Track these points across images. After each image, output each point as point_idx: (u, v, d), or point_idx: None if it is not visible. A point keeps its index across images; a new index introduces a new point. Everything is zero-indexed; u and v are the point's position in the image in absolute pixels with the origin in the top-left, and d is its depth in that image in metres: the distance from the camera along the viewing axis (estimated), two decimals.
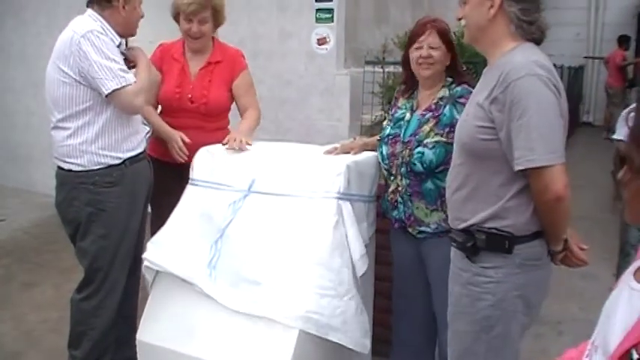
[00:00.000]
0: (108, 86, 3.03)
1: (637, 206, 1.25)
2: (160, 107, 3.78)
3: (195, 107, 3.65)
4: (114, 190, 3.20)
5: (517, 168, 2.17)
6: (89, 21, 3.15)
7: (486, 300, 2.31)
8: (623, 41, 13.10)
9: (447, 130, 2.83)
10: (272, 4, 6.16)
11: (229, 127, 3.87)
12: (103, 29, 3.14)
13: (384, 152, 3.04)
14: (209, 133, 3.59)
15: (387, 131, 3.08)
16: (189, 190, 3.25)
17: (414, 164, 2.87)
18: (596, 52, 15.28)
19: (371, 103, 4.89)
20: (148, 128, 3.49)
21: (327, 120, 5.81)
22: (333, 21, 5.82)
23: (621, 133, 4.24)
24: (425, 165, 2.84)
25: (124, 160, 3.23)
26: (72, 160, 3.18)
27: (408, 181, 2.93)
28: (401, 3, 7.11)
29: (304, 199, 2.92)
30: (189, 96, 3.65)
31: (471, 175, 2.34)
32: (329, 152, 3.24)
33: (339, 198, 2.89)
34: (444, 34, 2.96)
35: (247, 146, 3.31)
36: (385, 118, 3.34)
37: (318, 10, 5.85)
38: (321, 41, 5.86)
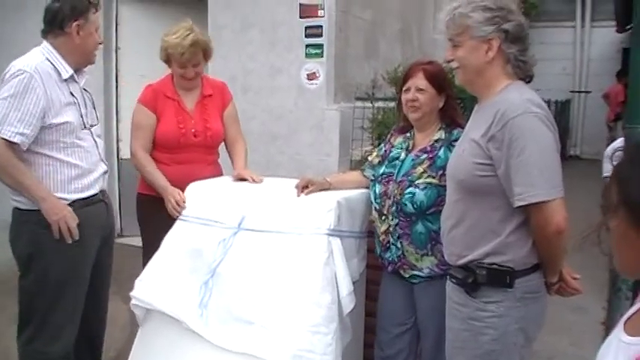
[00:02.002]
0: None
1: (625, 253, 1.26)
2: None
3: (199, 141, 3.70)
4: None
5: (519, 204, 2.20)
6: (33, 56, 3.09)
7: (488, 334, 2.33)
8: (622, 75, 13.14)
9: (440, 172, 2.82)
10: (262, 40, 6.20)
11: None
12: (50, 60, 3.09)
13: (377, 191, 3.03)
14: (209, 166, 3.72)
15: (382, 170, 3.07)
16: (178, 225, 3.24)
17: (405, 204, 2.87)
18: (582, 87, 15.45)
19: (361, 139, 4.92)
20: (105, 167, 3.41)
21: (316, 155, 5.82)
22: (322, 56, 5.85)
23: (607, 169, 4.28)
24: (415, 206, 2.84)
25: (72, 202, 3.13)
26: (16, 198, 3.10)
27: (397, 221, 2.92)
28: (390, 39, 7.17)
29: (295, 236, 2.91)
30: (193, 130, 3.69)
31: (470, 211, 2.36)
32: (298, 189, 3.11)
33: (330, 234, 2.88)
34: (432, 77, 2.95)
35: (241, 182, 3.42)
36: (371, 154, 3.34)
37: (307, 45, 5.89)
38: (311, 76, 5.89)
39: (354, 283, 2.93)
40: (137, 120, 3.72)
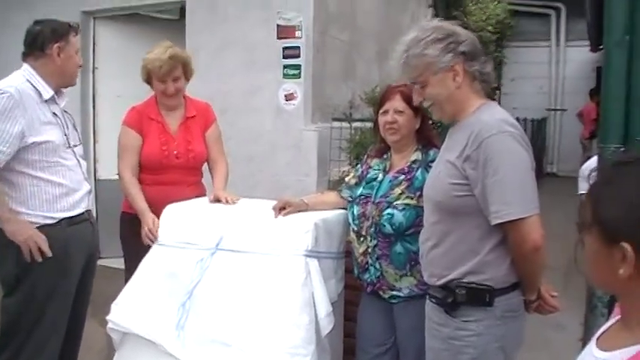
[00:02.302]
0: None
1: (598, 270, 1.29)
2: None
3: (181, 162, 3.72)
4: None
5: (495, 222, 2.22)
6: (13, 78, 3.14)
7: (468, 353, 2.34)
8: (594, 94, 13.31)
9: (418, 193, 2.83)
10: (240, 61, 6.20)
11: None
12: (30, 82, 3.13)
13: (355, 212, 3.03)
14: (189, 187, 3.73)
15: (359, 191, 3.08)
16: (154, 249, 3.23)
17: (384, 225, 2.87)
18: (557, 105, 15.59)
19: (338, 159, 4.93)
20: (89, 186, 3.44)
21: (294, 175, 5.81)
22: (300, 77, 5.86)
23: (583, 187, 4.33)
24: (394, 227, 2.85)
25: (59, 221, 3.16)
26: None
27: (376, 242, 2.92)
28: (368, 59, 7.21)
29: (272, 257, 2.92)
30: (175, 152, 3.72)
31: (448, 232, 2.38)
32: (276, 210, 3.12)
33: (307, 255, 2.90)
34: (409, 99, 2.93)
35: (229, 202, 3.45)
36: (348, 175, 3.34)
37: (285, 66, 5.91)
38: (289, 97, 5.90)
39: (332, 304, 2.94)
40: (123, 142, 3.75)
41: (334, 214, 3.18)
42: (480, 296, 2.31)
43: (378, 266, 2.94)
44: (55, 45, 3.20)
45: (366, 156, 3.29)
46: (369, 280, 3.00)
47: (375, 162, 3.14)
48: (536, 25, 15.35)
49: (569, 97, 14.93)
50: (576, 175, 6.63)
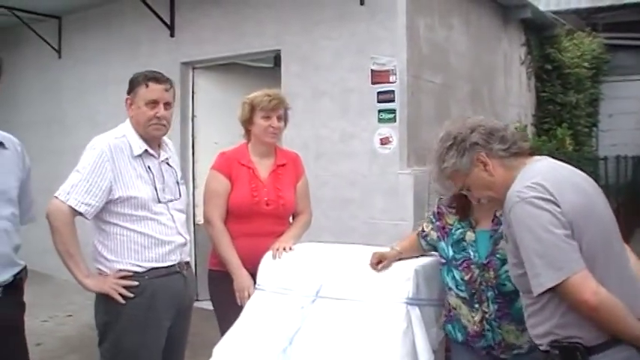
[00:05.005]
0: (59, 190, 3.13)
1: None
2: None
3: (271, 210, 3.66)
4: (129, 301, 3.15)
5: (534, 295, 2.20)
6: (113, 131, 3.28)
7: None
8: None
9: None
10: (334, 107, 6.30)
11: None
12: (127, 137, 3.25)
13: (458, 278, 2.86)
14: (278, 238, 3.60)
15: (450, 253, 2.92)
16: (255, 295, 3.27)
17: (504, 284, 2.72)
18: None
19: (435, 203, 4.89)
20: (184, 239, 3.41)
21: (390, 220, 5.80)
22: (395, 121, 5.90)
23: None
24: None
25: (147, 271, 3.21)
26: (96, 265, 3.24)
27: (496, 306, 2.77)
28: (461, 100, 7.18)
29: (373, 305, 2.91)
30: (266, 199, 3.65)
31: (529, 305, 2.33)
32: (372, 265, 3.08)
33: (408, 303, 2.87)
34: None
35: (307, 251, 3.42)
36: (427, 226, 3.15)
37: (380, 110, 5.97)
38: (384, 141, 5.93)
39: (433, 352, 2.89)
40: (212, 187, 3.71)
41: (432, 260, 3.12)
42: (571, 355, 2.22)
43: (498, 330, 2.79)
44: (127, 97, 3.32)
45: (437, 209, 3.11)
46: (484, 345, 2.83)
47: (452, 218, 2.99)
48: (633, 58, 14.90)
49: None
50: None
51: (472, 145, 2.41)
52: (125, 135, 3.26)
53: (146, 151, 3.28)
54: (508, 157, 2.41)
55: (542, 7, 10.39)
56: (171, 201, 3.34)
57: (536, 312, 2.29)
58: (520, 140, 2.46)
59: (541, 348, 2.32)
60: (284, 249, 3.41)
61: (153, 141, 3.34)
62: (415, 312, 2.87)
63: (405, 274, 2.93)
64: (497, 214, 2.83)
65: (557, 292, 2.15)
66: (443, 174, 2.49)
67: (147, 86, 3.25)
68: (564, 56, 10.40)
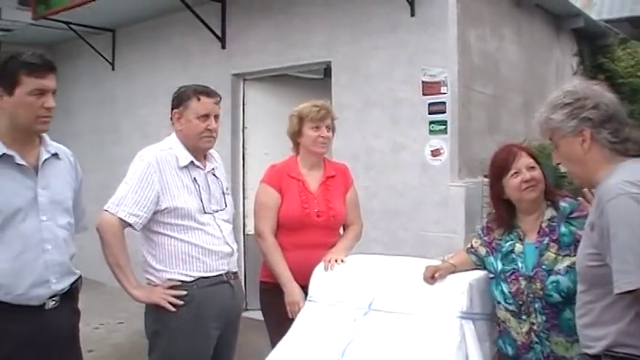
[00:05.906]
0: (108, 203, 3.20)
1: None
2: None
3: (321, 222, 3.67)
4: (177, 311, 3.17)
5: (616, 292, 2.09)
6: (160, 143, 3.34)
7: None
8: None
9: (572, 248, 2.71)
10: (385, 118, 6.29)
11: None
12: (173, 149, 3.30)
13: (505, 291, 2.87)
14: (329, 250, 3.59)
15: (498, 267, 2.93)
16: (307, 306, 3.27)
17: (550, 295, 2.73)
18: None
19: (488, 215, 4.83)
20: (231, 248, 3.42)
21: (441, 232, 5.76)
22: (446, 132, 5.87)
23: None
24: (563, 293, 2.70)
25: (195, 280, 3.23)
26: (145, 275, 3.28)
27: (544, 317, 2.77)
28: (513, 111, 7.10)
29: (426, 318, 2.88)
30: (316, 210, 3.67)
31: (593, 301, 2.27)
32: (426, 279, 3.03)
33: (462, 317, 2.83)
34: (533, 154, 2.90)
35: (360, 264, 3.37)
36: (475, 241, 3.15)
37: (431, 122, 5.94)
38: (435, 153, 5.90)
39: None
40: (263, 200, 3.74)
41: (486, 274, 3.07)
42: None
43: (547, 342, 2.78)
44: (174, 111, 3.35)
45: (486, 223, 3.13)
46: (534, 358, 2.82)
47: (499, 233, 3.00)
48: None
49: None
50: None
51: (584, 119, 2.35)
52: (172, 147, 3.32)
53: (192, 162, 3.33)
54: (610, 149, 2.34)
55: (594, 16, 10.19)
56: (218, 211, 3.38)
57: (598, 311, 2.23)
58: (631, 142, 2.36)
59: (589, 351, 2.27)
60: (336, 261, 3.40)
61: (199, 153, 3.38)
62: (469, 326, 2.84)
63: (459, 287, 2.89)
64: (543, 225, 2.85)
65: (636, 296, 2.09)
66: (544, 123, 2.44)
67: (198, 99, 3.30)
68: (618, 66, 10.20)
